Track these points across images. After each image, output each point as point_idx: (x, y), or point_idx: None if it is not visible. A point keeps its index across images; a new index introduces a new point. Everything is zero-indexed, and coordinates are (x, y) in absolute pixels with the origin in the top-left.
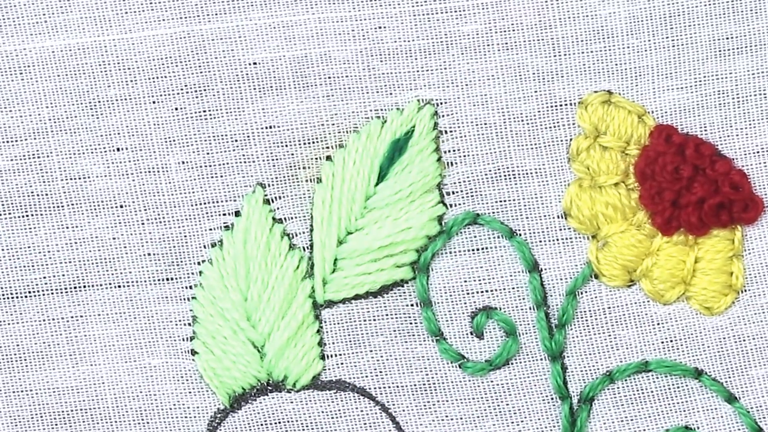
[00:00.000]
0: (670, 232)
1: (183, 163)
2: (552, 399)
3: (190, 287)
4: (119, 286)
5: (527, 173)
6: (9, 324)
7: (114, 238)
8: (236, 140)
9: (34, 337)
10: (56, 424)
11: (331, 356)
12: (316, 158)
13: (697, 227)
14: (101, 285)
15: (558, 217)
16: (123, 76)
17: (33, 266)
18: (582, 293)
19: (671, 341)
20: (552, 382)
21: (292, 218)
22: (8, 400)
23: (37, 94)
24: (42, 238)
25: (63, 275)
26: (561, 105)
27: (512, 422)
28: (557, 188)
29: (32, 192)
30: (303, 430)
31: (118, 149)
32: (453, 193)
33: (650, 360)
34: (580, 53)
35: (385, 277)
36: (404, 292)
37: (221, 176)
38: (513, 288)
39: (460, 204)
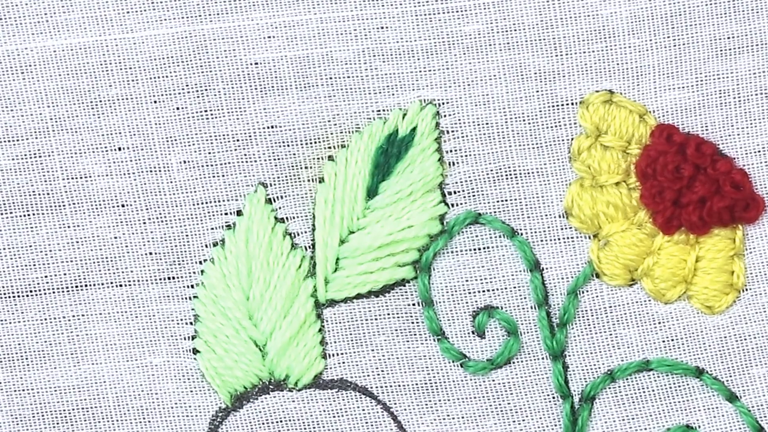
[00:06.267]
0: (671, 231)
1: (185, 162)
2: (553, 398)
3: (192, 286)
4: (121, 285)
5: (529, 173)
6: (10, 323)
7: (115, 238)
8: (238, 140)
9: (36, 336)
10: (57, 423)
11: (333, 355)
12: (318, 158)
13: (698, 226)
14: (103, 284)
15: (559, 216)
16: (124, 76)
17: (34, 265)
18: (583, 292)
19: (672, 340)
20: (553, 381)
21: (294, 218)
22: (10, 398)
23: (39, 94)
24: (43, 238)
25: (64, 274)
26: (562, 104)
27: (514, 421)
28: (558, 188)
29: (34, 191)
30: (304, 429)
31: (119, 149)
32: (454, 192)
33: (651, 359)
34: (582, 53)
35: (386, 276)
36: (406, 292)
37: (223, 176)
38: (514, 287)
39: (461, 203)
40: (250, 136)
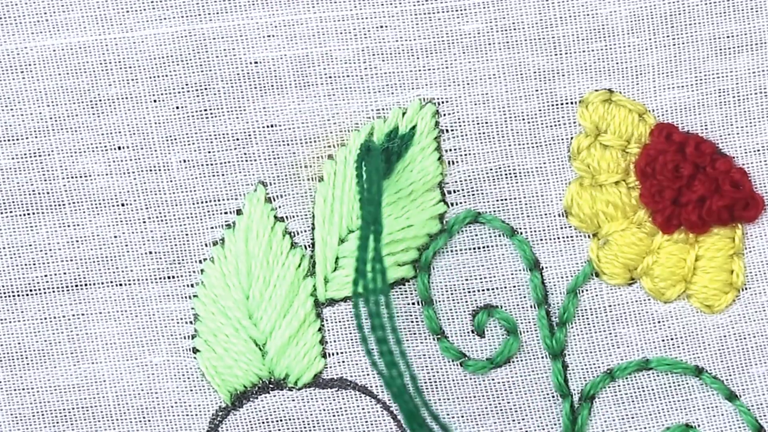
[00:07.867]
0: (671, 230)
1: (184, 161)
2: (553, 397)
3: (192, 285)
4: (121, 285)
5: (528, 172)
6: (11, 322)
7: (115, 237)
8: (237, 139)
9: (36, 335)
10: (58, 422)
11: (333, 354)
12: (318, 157)
13: (697, 225)
14: (103, 283)
15: (559, 215)
16: (124, 75)
17: (35, 264)
18: (583, 291)
19: (672, 339)
20: (553, 380)
21: (293, 217)
22: (10, 398)
23: (39, 93)
24: (43, 237)
25: (65, 273)
26: (562, 104)
27: (513, 420)
28: (558, 187)
29: (34, 190)
30: (304, 428)
31: (119, 148)
32: (454, 191)
33: (651, 358)
34: (581, 52)
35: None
36: (405, 291)
37: (222, 175)
38: (514, 286)
39: (461, 202)
40: (249, 135)
